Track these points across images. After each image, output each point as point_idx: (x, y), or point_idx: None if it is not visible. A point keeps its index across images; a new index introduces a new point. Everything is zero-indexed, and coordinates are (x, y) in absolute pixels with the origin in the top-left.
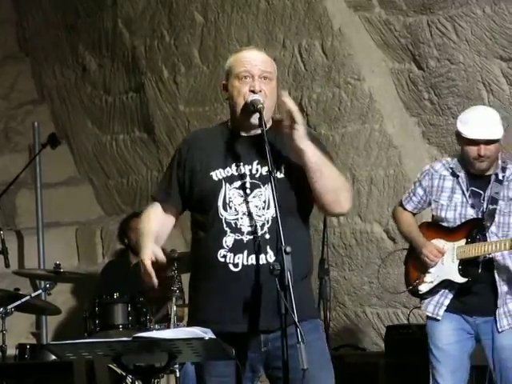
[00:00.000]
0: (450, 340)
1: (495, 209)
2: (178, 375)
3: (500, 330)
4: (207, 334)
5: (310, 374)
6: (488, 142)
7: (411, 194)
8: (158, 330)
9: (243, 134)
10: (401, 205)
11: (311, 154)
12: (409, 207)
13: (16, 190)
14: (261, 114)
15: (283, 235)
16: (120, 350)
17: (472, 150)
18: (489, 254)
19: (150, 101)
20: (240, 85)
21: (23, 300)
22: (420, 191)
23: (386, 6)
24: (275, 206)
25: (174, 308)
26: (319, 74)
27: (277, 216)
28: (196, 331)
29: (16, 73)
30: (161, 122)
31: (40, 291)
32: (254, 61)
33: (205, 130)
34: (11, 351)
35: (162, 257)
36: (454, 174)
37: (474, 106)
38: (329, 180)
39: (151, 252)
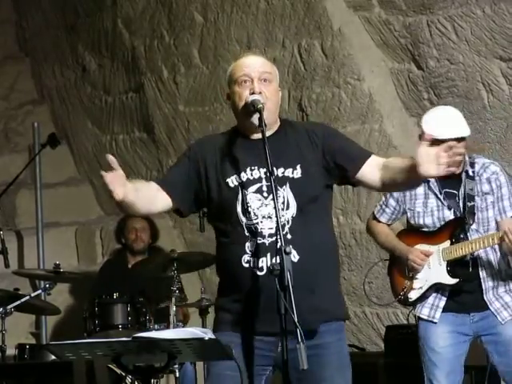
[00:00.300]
0: (445, 343)
1: (473, 205)
2: (177, 375)
3: (503, 321)
4: (207, 334)
5: (327, 374)
6: (459, 140)
7: (383, 206)
8: (157, 330)
9: (252, 137)
10: (374, 218)
11: None
12: (383, 219)
13: (16, 190)
14: (260, 113)
15: (304, 234)
16: (120, 350)
17: None
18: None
19: (150, 101)
20: (240, 89)
21: (23, 300)
22: (392, 202)
23: (386, 5)
24: (275, 208)
25: (174, 308)
26: (319, 74)
27: (277, 217)
28: (196, 331)
29: (16, 73)
30: (160, 122)
31: (39, 291)
32: (252, 64)
33: (214, 136)
34: (11, 351)
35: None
36: (423, 180)
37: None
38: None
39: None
